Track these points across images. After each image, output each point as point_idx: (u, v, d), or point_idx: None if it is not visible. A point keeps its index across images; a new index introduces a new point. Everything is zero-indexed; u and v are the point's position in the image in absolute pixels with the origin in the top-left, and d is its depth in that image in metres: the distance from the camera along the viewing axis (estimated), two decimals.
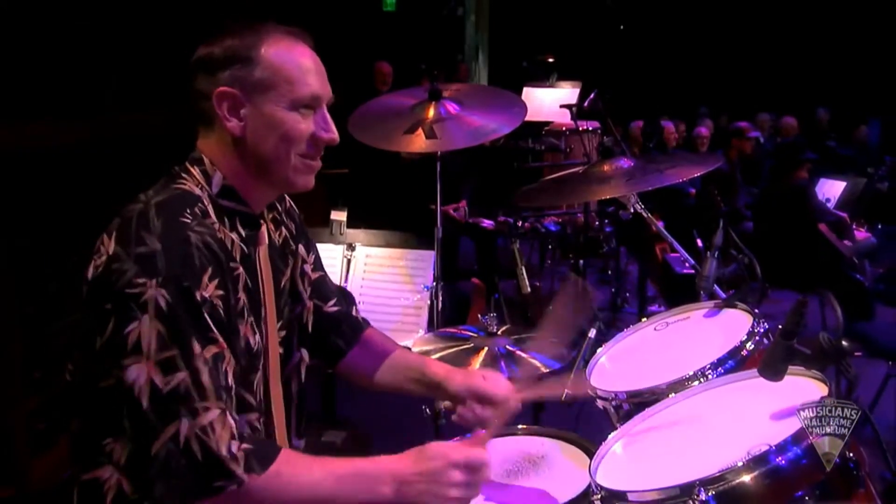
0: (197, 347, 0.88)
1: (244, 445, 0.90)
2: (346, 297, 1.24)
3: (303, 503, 0.95)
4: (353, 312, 1.23)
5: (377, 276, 1.84)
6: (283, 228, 1.12)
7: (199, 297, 0.89)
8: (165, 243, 0.89)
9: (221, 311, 0.92)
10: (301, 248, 1.15)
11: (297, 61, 0.98)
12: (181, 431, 0.86)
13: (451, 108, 1.83)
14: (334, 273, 1.85)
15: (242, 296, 0.97)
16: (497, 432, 1.11)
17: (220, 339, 0.91)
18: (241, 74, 0.96)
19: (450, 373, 1.19)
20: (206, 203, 0.96)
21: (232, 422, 0.90)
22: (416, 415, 1.74)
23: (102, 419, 0.92)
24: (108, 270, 0.89)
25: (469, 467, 0.97)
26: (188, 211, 0.93)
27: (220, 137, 0.99)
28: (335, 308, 1.20)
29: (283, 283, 1.09)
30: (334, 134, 1.02)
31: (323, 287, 1.20)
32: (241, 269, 0.98)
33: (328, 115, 1.02)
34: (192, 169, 0.99)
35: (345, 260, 1.86)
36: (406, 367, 1.22)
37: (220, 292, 0.92)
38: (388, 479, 0.96)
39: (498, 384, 1.17)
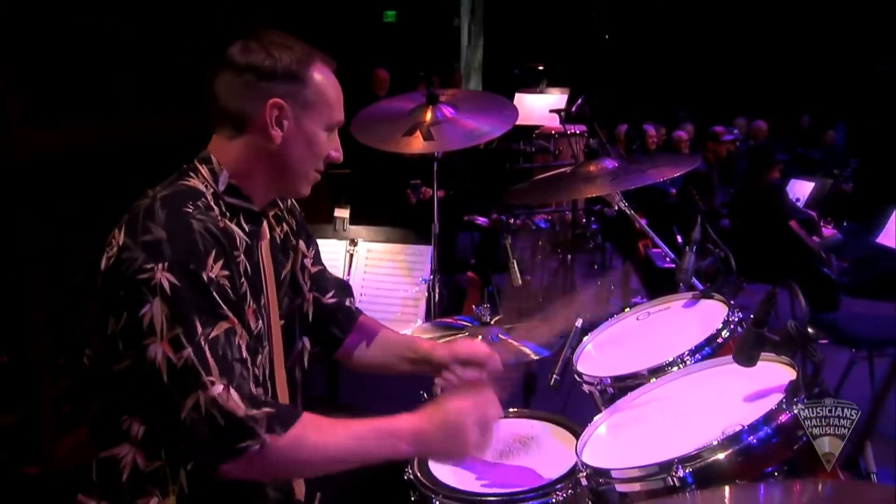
0: (199, 327, 0.89)
1: (265, 409, 0.90)
2: (344, 289, 1.25)
3: (326, 463, 0.95)
4: (348, 303, 1.24)
5: (378, 269, 1.84)
6: (285, 224, 1.13)
7: (205, 278, 0.90)
8: (169, 231, 0.90)
9: (229, 290, 0.93)
10: (301, 244, 1.15)
11: (335, 89, 1.02)
12: (200, 401, 0.87)
13: (447, 111, 1.82)
14: (337, 267, 1.85)
15: (244, 281, 0.98)
16: (499, 393, 1.10)
17: (231, 315, 0.92)
18: (294, 90, 0.98)
19: (434, 345, 1.22)
20: (209, 199, 0.97)
21: (238, 393, 0.89)
22: (414, 400, 1.74)
23: (118, 399, 0.93)
24: (119, 260, 0.90)
25: (483, 425, 0.99)
26: (191, 203, 0.94)
27: (250, 141, 0.99)
28: (333, 300, 1.21)
29: (283, 276, 1.10)
30: (341, 154, 1.06)
31: (322, 280, 1.20)
32: (242, 257, 0.99)
33: (338, 138, 1.06)
34: (200, 167, 1.00)
35: (347, 255, 1.85)
36: (398, 346, 1.24)
37: (226, 272, 0.93)
38: (409, 436, 0.96)
39: (477, 346, 1.20)
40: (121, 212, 0.97)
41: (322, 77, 1.01)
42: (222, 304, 0.91)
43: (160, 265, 0.88)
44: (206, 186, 0.98)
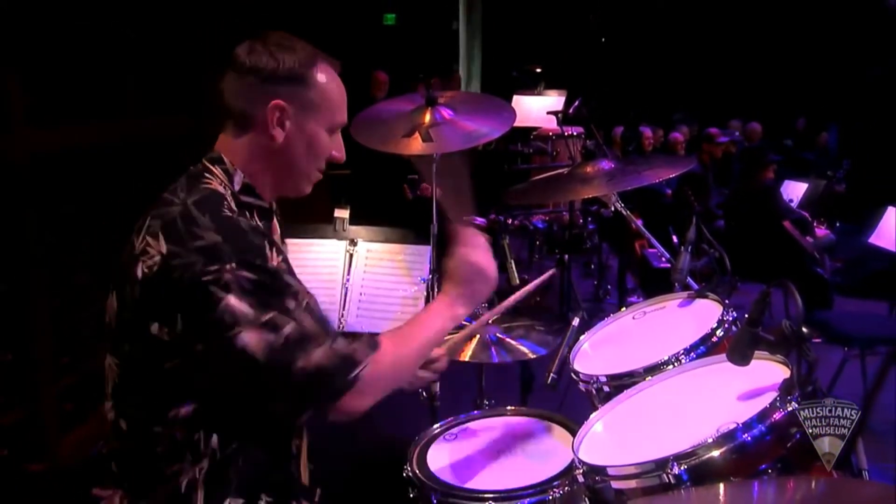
0: (292, 303, 0.93)
1: (353, 344, 0.97)
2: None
3: (417, 356, 1.05)
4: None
5: (377, 269, 1.84)
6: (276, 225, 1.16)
7: (273, 266, 0.94)
8: (223, 234, 0.92)
9: (291, 274, 0.97)
10: (285, 245, 1.19)
11: (338, 91, 1.04)
12: (309, 363, 0.91)
13: (446, 113, 1.82)
14: (337, 267, 1.84)
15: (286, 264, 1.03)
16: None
17: (304, 289, 0.97)
18: (297, 92, 0.99)
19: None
20: (230, 200, 0.99)
21: (336, 342, 0.95)
22: (413, 397, 1.74)
23: (166, 394, 0.95)
24: (169, 267, 0.90)
25: (485, 249, 1.11)
26: (224, 206, 0.96)
27: (253, 140, 1.01)
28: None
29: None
30: (343, 155, 1.09)
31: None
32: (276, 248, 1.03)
33: (341, 138, 1.08)
34: (213, 168, 1.01)
35: (347, 254, 1.85)
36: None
37: (281, 258, 0.97)
38: (454, 302, 1.08)
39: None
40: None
41: (325, 79, 1.02)
42: (294, 283, 0.96)
43: (227, 266, 0.90)
44: (224, 188, 1.00)
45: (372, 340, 1.00)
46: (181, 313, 0.90)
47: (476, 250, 1.11)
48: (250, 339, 0.89)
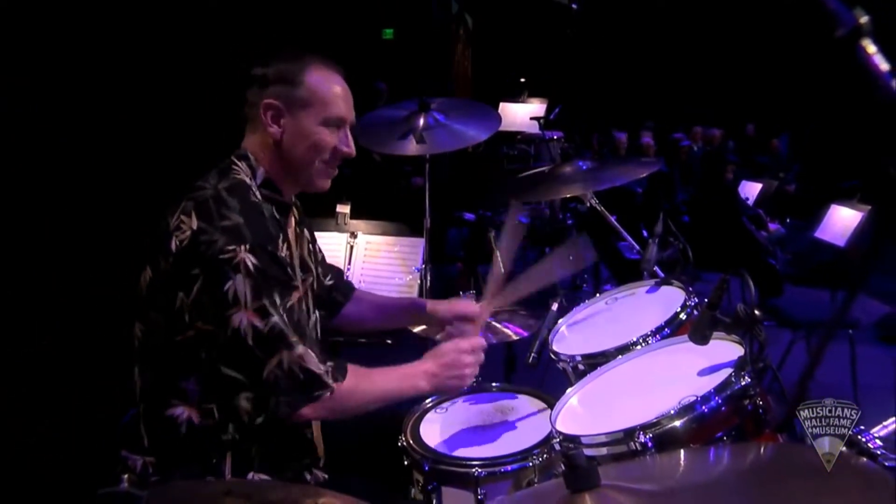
0: (279, 298, 0.93)
1: (328, 363, 0.98)
2: (339, 273, 1.34)
3: (372, 402, 1.03)
4: (344, 277, 1.33)
5: (375, 259, 1.84)
6: (294, 216, 1.16)
7: (280, 256, 0.96)
8: (246, 217, 0.94)
9: (291, 267, 0.99)
10: (306, 232, 1.20)
11: (332, 88, 1.05)
12: (284, 360, 0.92)
13: (438, 117, 1.81)
14: (339, 257, 1.84)
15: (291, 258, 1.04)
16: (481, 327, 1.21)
17: (299, 286, 0.99)
18: (286, 91, 1.02)
19: (434, 304, 1.29)
20: (255, 190, 1.01)
21: (313, 352, 0.96)
22: None
23: (177, 365, 0.95)
24: (196, 242, 0.92)
25: (473, 350, 1.08)
26: (250, 193, 0.99)
27: (262, 139, 1.04)
28: (332, 282, 1.29)
29: (300, 257, 1.14)
30: (352, 150, 1.08)
31: (325, 265, 1.28)
32: (287, 242, 1.05)
33: (350, 135, 1.08)
34: (239, 163, 1.04)
35: (348, 246, 1.84)
36: (398, 308, 1.33)
37: (287, 252, 1.00)
38: (423, 376, 1.07)
39: (471, 305, 1.27)
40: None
41: (317, 78, 1.03)
42: (294, 277, 0.98)
43: (242, 247, 0.91)
44: (249, 179, 1.02)
45: (342, 368, 0.99)
46: (199, 284, 0.91)
47: (471, 353, 1.08)
48: (243, 320, 0.90)
